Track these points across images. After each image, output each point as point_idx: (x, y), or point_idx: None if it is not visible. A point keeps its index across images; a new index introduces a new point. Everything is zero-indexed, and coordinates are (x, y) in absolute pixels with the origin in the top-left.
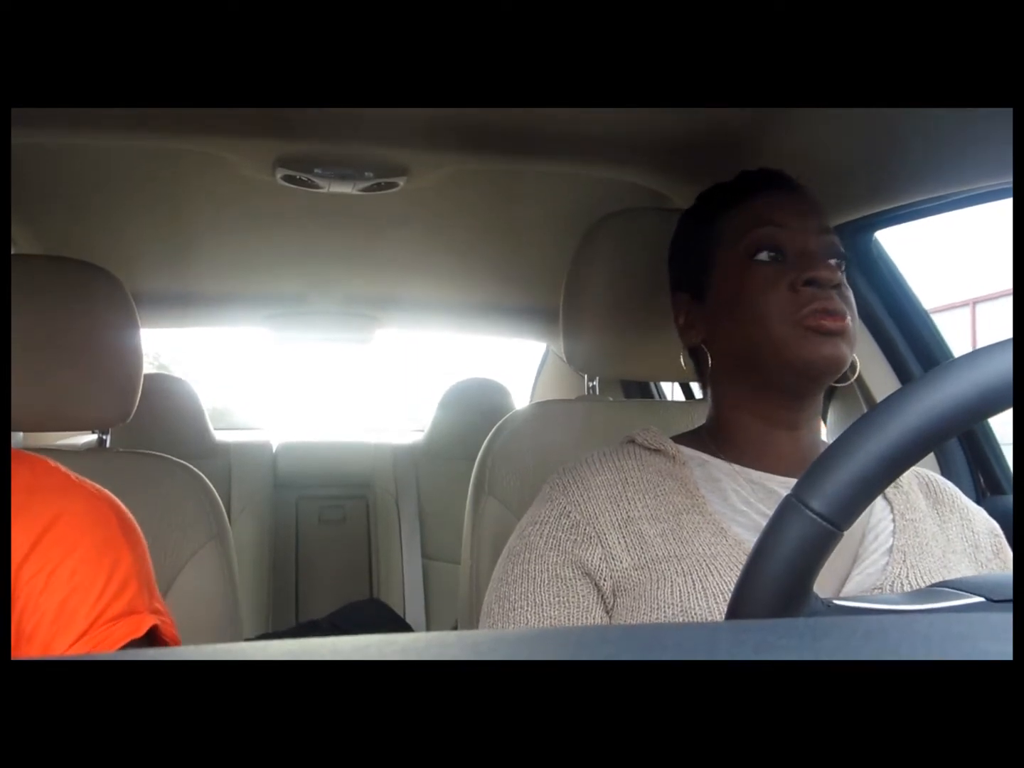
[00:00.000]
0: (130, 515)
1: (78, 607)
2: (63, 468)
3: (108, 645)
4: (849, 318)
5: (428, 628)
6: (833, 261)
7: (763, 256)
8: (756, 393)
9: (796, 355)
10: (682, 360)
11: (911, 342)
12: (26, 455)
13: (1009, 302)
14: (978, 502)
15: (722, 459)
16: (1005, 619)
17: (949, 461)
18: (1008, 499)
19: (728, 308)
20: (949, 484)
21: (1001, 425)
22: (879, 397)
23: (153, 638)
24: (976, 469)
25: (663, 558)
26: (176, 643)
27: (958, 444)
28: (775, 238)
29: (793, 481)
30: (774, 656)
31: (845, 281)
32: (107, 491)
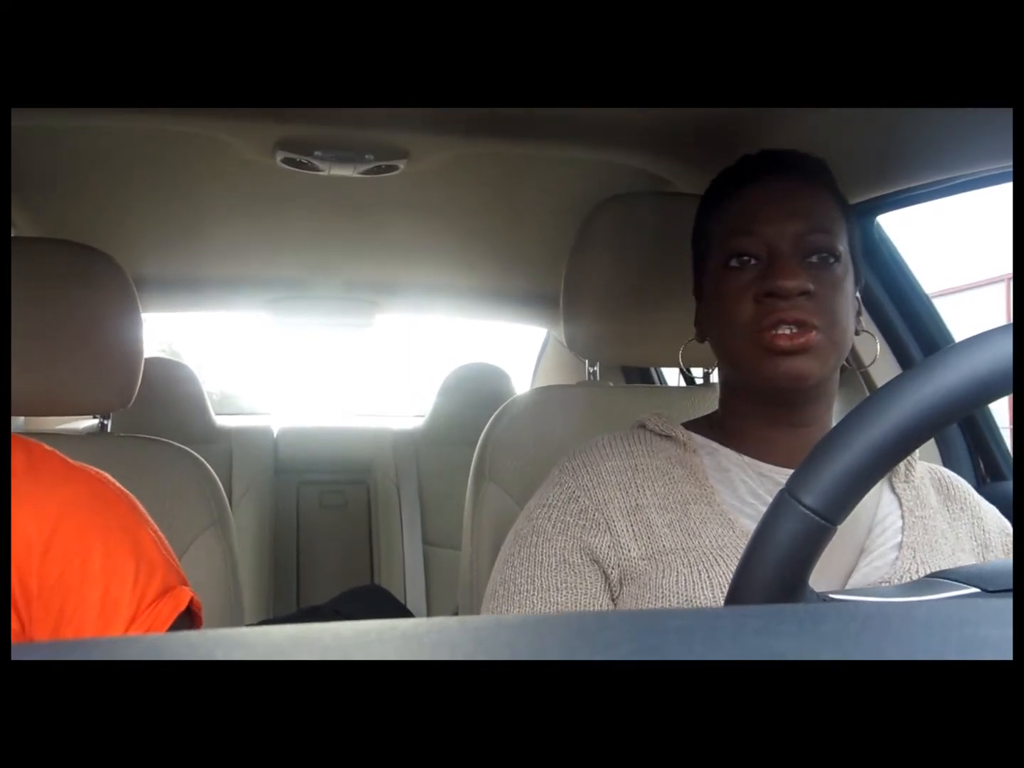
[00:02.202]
0: (129, 493)
1: (119, 596)
2: (58, 452)
3: (159, 625)
4: (814, 331)
5: (429, 614)
6: (816, 258)
7: (735, 263)
8: (748, 394)
9: (756, 372)
10: (679, 357)
11: (912, 326)
12: (21, 439)
13: None
14: (978, 488)
15: (732, 449)
16: (1005, 605)
17: (949, 447)
18: (1008, 485)
19: (709, 315)
20: (962, 481)
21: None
22: (880, 383)
23: (190, 609)
24: (976, 455)
25: (670, 550)
26: (199, 609)
27: (958, 430)
28: (746, 246)
29: None
30: (774, 641)
31: (836, 280)
32: (105, 473)
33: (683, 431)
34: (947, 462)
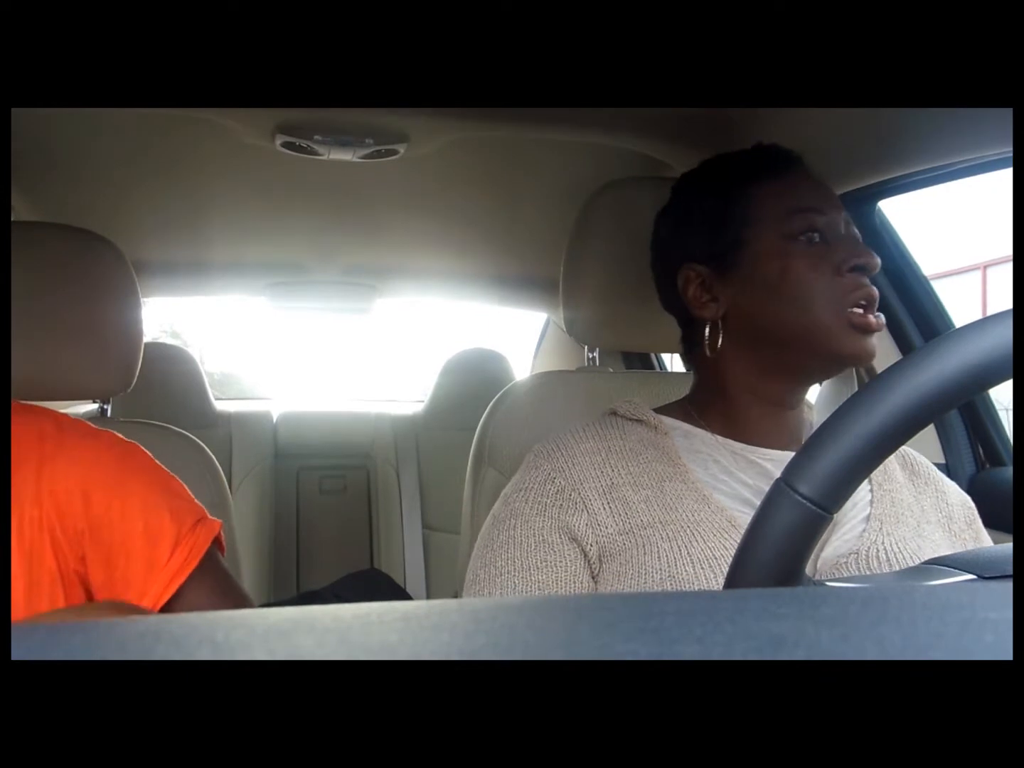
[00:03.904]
0: None
1: (160, 525)
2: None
3: (199, 548)
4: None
5: (428, 597)
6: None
7: (804, 239)
8: (766, 374)
9: (838, 346)
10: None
11: (913, 313)
12: (46, 411)
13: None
14: (977, 473)
15: (706, 430)
16: (1003, 588)
17: (948, 433)
18: (1007, 470)
19: (767, 289)
20: (924, 458)
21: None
22: (880, 369)
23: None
24: (975, 441)
25: (648, 524)
26: (222, 538)
27: (958, 416)
28: (815, 222)
29: (773, 452)
30: (774, 623)
31: None
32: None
33: (653, 415)
34: (946, 448)
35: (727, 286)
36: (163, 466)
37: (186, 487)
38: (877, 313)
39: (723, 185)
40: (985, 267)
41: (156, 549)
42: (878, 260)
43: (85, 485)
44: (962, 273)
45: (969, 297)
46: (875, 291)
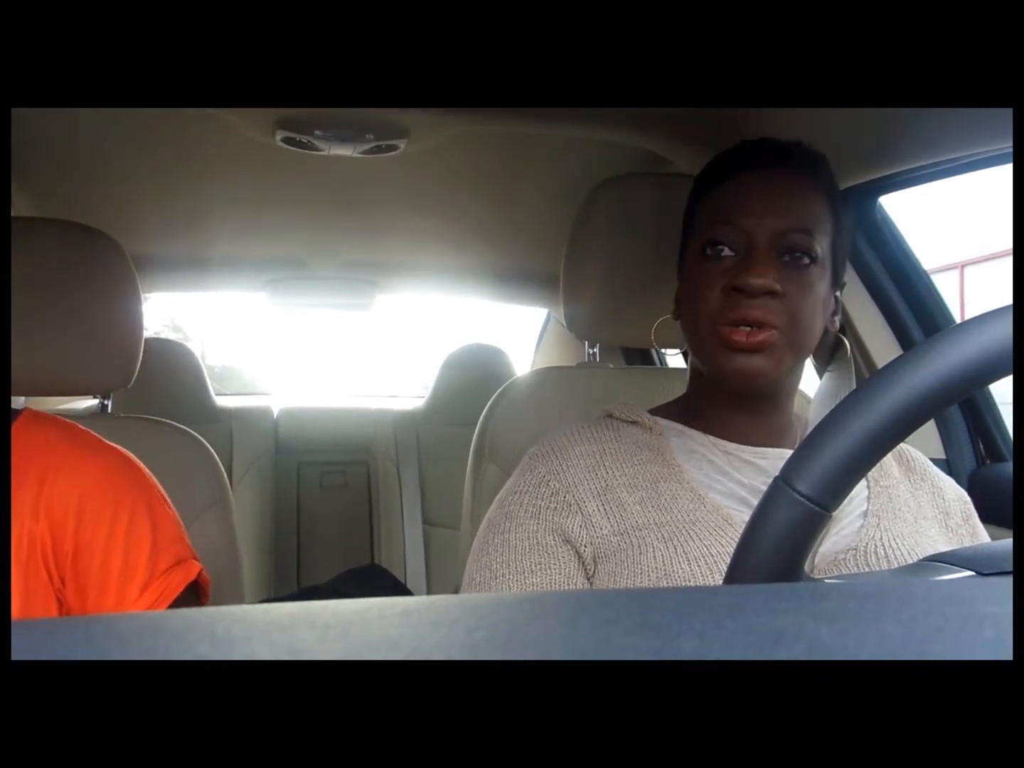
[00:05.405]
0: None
1: (137, 563)
2: (92, 432)
3: (170, 592)
4: (773, 331)
5: (429, 593)
6: (789, 257)
7: (710, 251)
8: (712, 379)
9: (712, 363)
10: (651, 336)
11: (914, 308)
12: (58, 419)
13: (997, 265)
14: (978, 469)
15: (698, 430)
16: (1003, 583)
17: (949, 428)
18: (1007, 466)
19: (683, 298)
20: (920, 454)
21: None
22: (881, 364)
23: (197, 582)
24: (976, 436)
25: (643, 525)
26: (207, 583)
27: (959, 412)
28: (725, 236)
29: (767, 451)
30: (774, 619)
31: (807, 281)
32: (130, 452)
33: (648, 416)
34: (947, 444)
35: (680, 288)
36: (164, 496)
37: (176, 523)
38: (753, 330)
39: (696, 187)
40: (963, 266)
41: (128, 586)
42: (764, 282)
43: (80, 506)
44: (940, 272)
45: (947, 296)
46: (751, 314)
